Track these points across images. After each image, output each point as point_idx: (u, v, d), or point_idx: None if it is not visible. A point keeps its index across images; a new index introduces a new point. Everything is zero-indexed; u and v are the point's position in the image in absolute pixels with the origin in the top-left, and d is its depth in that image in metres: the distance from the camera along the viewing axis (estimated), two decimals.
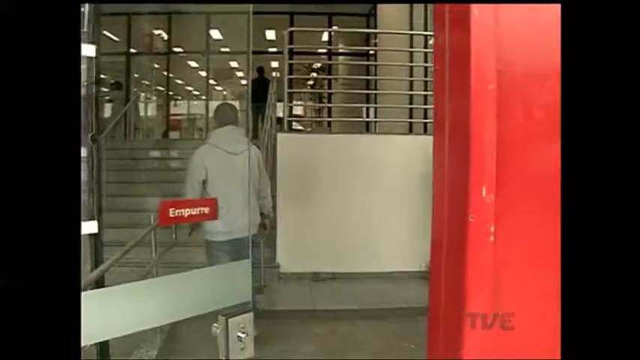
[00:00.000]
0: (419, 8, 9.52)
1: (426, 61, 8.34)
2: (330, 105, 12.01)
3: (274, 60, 14.50)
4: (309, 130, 12.20)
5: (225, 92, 15.73)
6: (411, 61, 8.73)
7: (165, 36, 13.40)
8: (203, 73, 14.27)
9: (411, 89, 8.93)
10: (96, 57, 3.36)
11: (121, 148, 9.60)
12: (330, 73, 13.26)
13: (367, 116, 10.37)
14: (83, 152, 3.46)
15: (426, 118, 8.11)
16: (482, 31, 1.07)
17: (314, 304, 6.15)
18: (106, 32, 12.83)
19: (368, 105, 10.29)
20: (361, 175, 7.05)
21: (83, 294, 2.51)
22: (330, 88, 12.03)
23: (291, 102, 8.53)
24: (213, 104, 14.61)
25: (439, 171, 1.21)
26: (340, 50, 13.73)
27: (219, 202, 4.44)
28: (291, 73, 10.30)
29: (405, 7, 9.64)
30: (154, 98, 14.20)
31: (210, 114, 14.02)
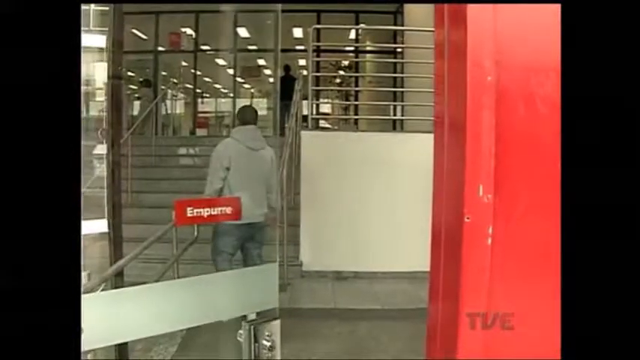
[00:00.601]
0: None
1: None
2: (356, 103, 11.97)
3: (302, 58, 14.51)
4: (335, 128, 12.20)
5: (252, 90, 15.78)
6: None
7: (193, 34, 13.51)
8: (230, 71, 14.35)
9: None
10: (113, 51, 3.39)
11: (149, 144, 9.68)
12: (357, 71, 13.20)
13: (394, 114, 10.29)
14: (101, 149, 3.51)
15: None
16: (479, 22, 1.03)
17: (335, 303, 6.12)
18: (134, 30, 13.04)
19: (395, 103, 10.22)
20: (386, 173, 6.99)
21: (104, 293, 2.54)
22: (356, 85, 11.95)
23: (317, 100, 8.53)
24: (241, 102, 14.76)
25: (438, 169, 1.17)
26: (367, 48, 13.67)
27: (237, 189, 4.84)
28: (317, 70, 10.28)
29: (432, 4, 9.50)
30: (182, 96, 14.33)
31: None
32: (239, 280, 1.90)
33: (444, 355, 1.16)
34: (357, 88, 12.11)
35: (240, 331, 1.59)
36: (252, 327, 1.56)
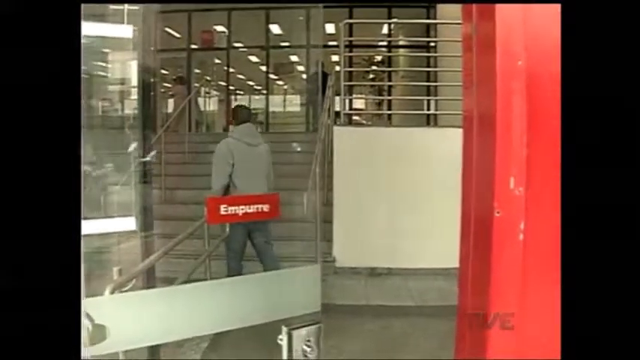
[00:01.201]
0: None
1: None
2: (389, 98, 11.87)
3: (335, 54, 14.44)
4: (368, 123, 12.11)
5: (285, 86, 15.79)
6: None
7: (226, 31, 13.58)
8: (263, 68, 14.37)
9: None
10: (144, 49, 3.41)
11: (182, 141, 9.75)
12: (389, 66, 13.07)
13: (428, 109, 10.16)
14: (132, 148, 3.54)
15: None
16: (508, 9, 0.97)
17: (368, 300, 6.07)
18: (168, 29, 13.18)
19: (428, 97, 10.09)
20: (420, 168, 6.90)
21: (130, 294, 2.54)
22: (389, 80, 11.84)
23: (350, 95, 8.46)
24: (274, 98, 14.79)
25: (467, 162, 1.10)
26: (400, 42, 13.52)
27: (241, 183, 5.13)
28: (350, 66, 10.21)
29: None
30: (215, 93, 14.42)
31: (271, 108, 14.23)
32: (278, 282, 1.82)
33: (473, 355, 1.10)
34: (389, 83, 12.00)
35: (281, 336, 1.52)
36: (290, 331, 1.50)
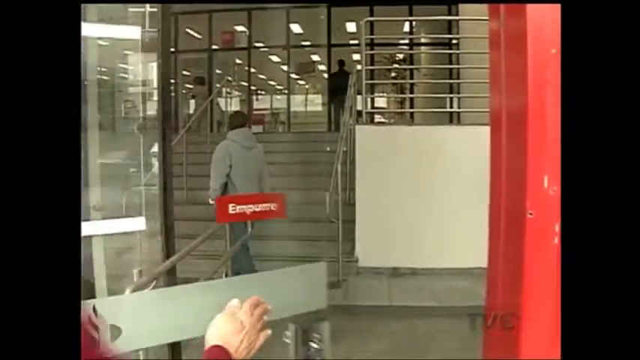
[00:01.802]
0: None
1: None
2: (411, 96, 11.77)
3: (356, 53, 14.36)
4: (390, 122, 12.03)
5: (307, 86, 15.76)
6: None
7: (247, 31, 13.60)
8: (285, 68, 14.36)
9: None
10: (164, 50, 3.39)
11: (204, 142, 9.77)
12: (411, 64, 12.96)
13: (450, 107, 10.05)
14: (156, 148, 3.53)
15: None
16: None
17: (391, 300, 6.00)
18: (188, 30, 13.25)
19: (451, 95, 9.98)
20: (443, 167, 6.82)
21: (146, 292, 2.53)
22: (411, 78, 11.74)
23: (372, 94, 8.40)
24: (296, 98, 14.78)
25: (495, 161, 1.05)
26: (421, 40, 13.41)
27: (238, 183, 5.46)
28: (371, 64, 10.13)
29: None
30: (237, 93, 14.44)
31: (293, 108, 14.22)
32: (286, 280, 1.82)
33: (501, 356, 1.05)
34: (411, 81, 11.89)
35: (287, 332, 1.51)
36: (297, 328, 1.48)
